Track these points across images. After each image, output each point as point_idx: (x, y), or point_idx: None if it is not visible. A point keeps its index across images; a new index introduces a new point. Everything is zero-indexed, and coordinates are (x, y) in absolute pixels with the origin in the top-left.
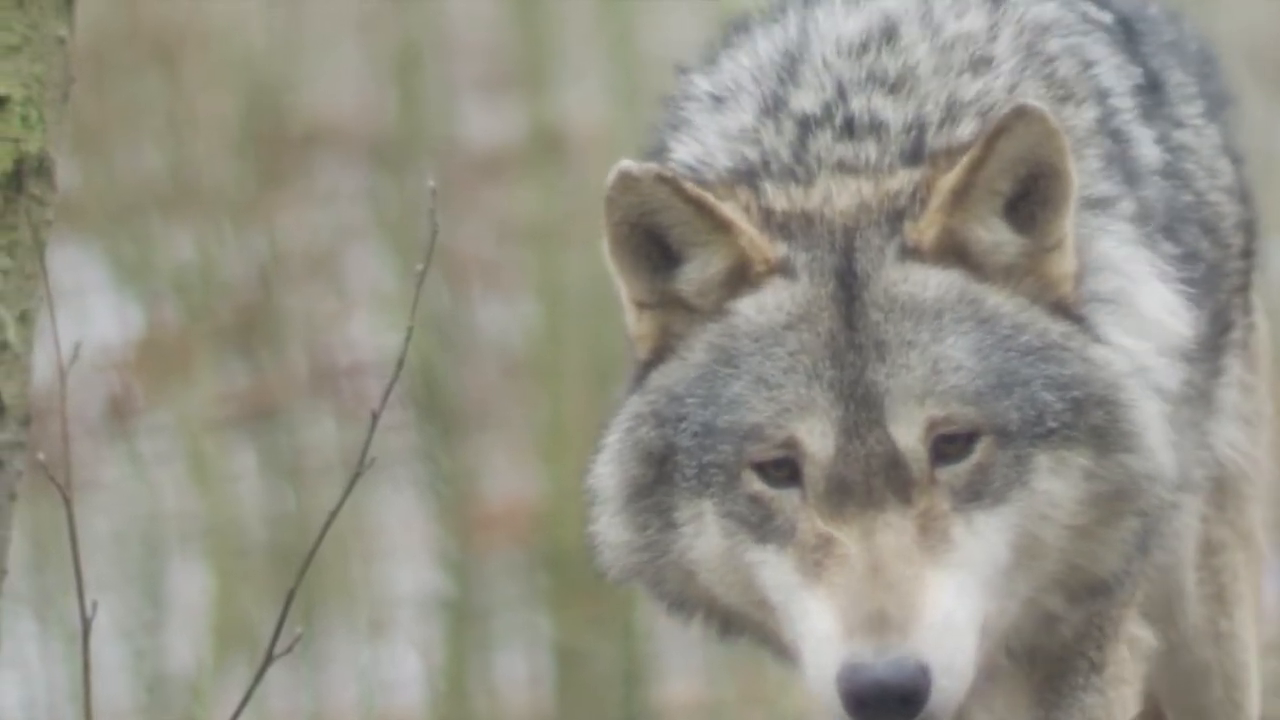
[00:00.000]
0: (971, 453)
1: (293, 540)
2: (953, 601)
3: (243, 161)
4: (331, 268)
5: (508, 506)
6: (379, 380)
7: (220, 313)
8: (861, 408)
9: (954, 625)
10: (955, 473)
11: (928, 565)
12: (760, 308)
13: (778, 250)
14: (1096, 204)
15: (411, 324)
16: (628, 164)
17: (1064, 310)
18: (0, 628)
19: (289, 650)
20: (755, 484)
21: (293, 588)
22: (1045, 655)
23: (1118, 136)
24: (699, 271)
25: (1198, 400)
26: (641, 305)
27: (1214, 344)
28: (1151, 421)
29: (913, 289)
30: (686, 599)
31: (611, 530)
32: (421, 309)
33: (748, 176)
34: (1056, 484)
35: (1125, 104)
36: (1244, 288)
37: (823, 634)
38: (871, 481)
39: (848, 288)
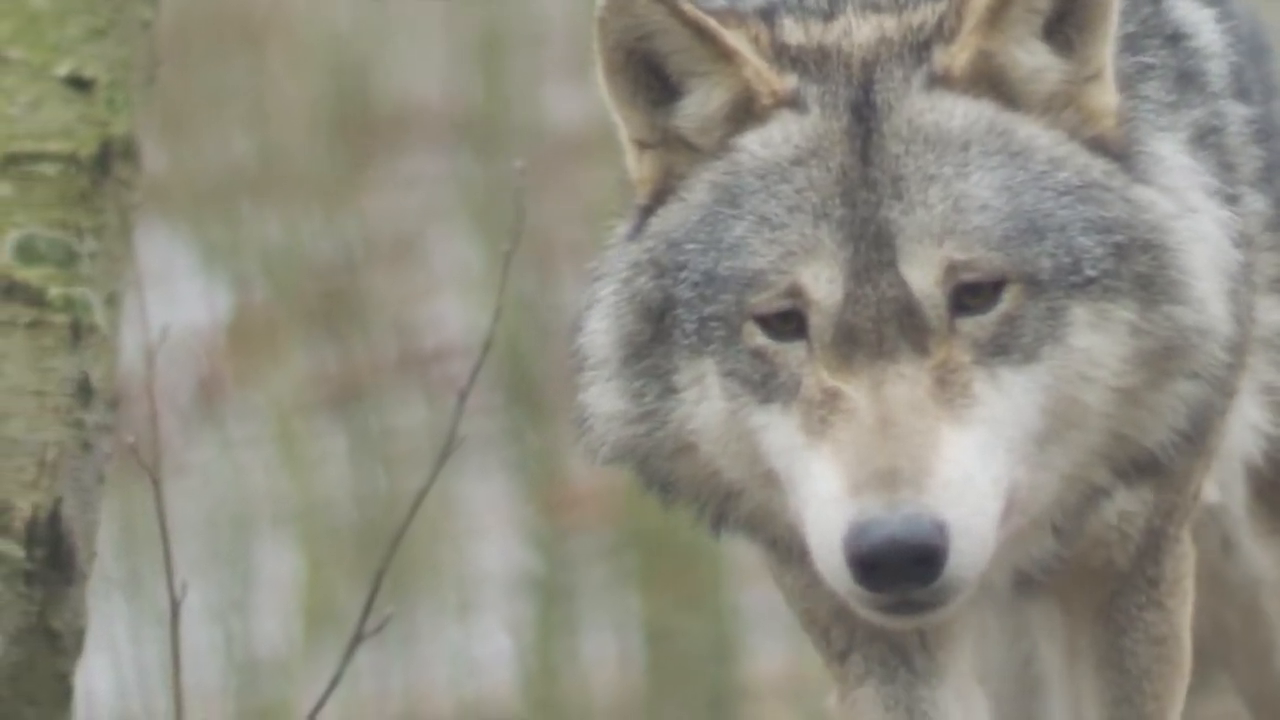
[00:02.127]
0: (997, 303)
1: (381, 521)
2: (973, 460)
3: (329, 144)
4: (418, 250)
5: (595, 486)
6: (466, 362)
7: (308, 295)
8: (873, 248)
9: (974, 484)
10: (978, 323)
11: (944, 420)
12: (766, 142)
13: (786, 82)
14: (1146, 104)
15: (499, 305)
16: None
17: (1105, 147)
18: (90, 610)
19: (378, 630)
20: (758, 337)
21: (381, 568)
22: (1102, 574)
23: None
24: (700, 105)
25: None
26: (641, 144)
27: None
28: (1203, 269)
29: (938, 118)
30: (681, 478)
31: (604, 399)
32: (508, 290)
33: (765, 10)
34: (1096, 340)
35: None
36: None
37: (827, 494)
38: (883, 330)
39: (864, 120)
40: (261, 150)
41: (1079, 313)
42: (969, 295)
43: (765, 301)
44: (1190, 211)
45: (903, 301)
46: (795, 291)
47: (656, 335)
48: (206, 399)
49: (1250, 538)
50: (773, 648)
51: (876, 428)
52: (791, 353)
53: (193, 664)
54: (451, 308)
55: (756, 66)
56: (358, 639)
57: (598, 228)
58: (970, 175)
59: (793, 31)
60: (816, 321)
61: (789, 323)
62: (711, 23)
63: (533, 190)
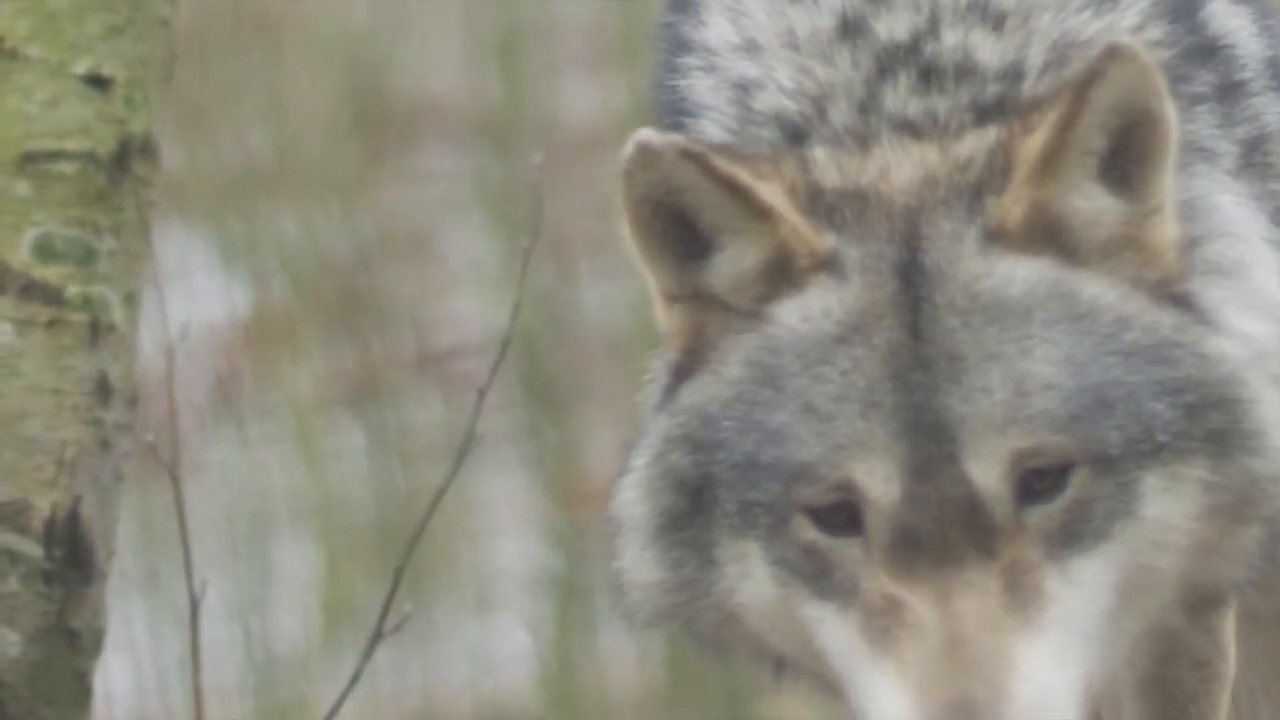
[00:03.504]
0: (1065, 488)
1: (400, 518)
2: (1050, 673)
3: (346, 141)
4: (436, 246)
5: (613, 482)
6: (484, 358)
7: (326, 292)
8: (931, 441)
9: (1054, 699)
10: (1046, 514)
11: (1018, 632)
12: (805, 315)
13: (825, 241)
14: (1210, 155)
15: (518, 301)
16: (646, 135)
17: (1170, 293)
18: (109, 609)
19: (398, 628)
20: (809, 531)
21: (400, 565)
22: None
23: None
24: (732, 264)
25: None
26: (670, 297)
27: None
28: (1276, 417)
29: (997, 284)
30: (732, 642)
31: (641, 567)
32: (526, 286)
33: (795, 138)
34: (1169, 505)
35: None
36: None
37: None
38: (946, 531)
39: (913, 288)
40: (279, 147)
41: (1150, 481)
42: (1035, 481)
43: (815, 495)
44: (1262, 358)
45: (967, 500)
46: (848, 486)
47: (695, 509)
48: (225, 397)
49: None
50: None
51: (946, 648)
52: (846, 550)
53: (211, 662)
54: (469, 304)
55: (794, 224)
56: (377, 637)
57: (613, 223)
58: (1034, 351)
59: (827, 170)
60: (873, 521)
61: (841, 515)
62: (745, 178)
63: (550, 185)
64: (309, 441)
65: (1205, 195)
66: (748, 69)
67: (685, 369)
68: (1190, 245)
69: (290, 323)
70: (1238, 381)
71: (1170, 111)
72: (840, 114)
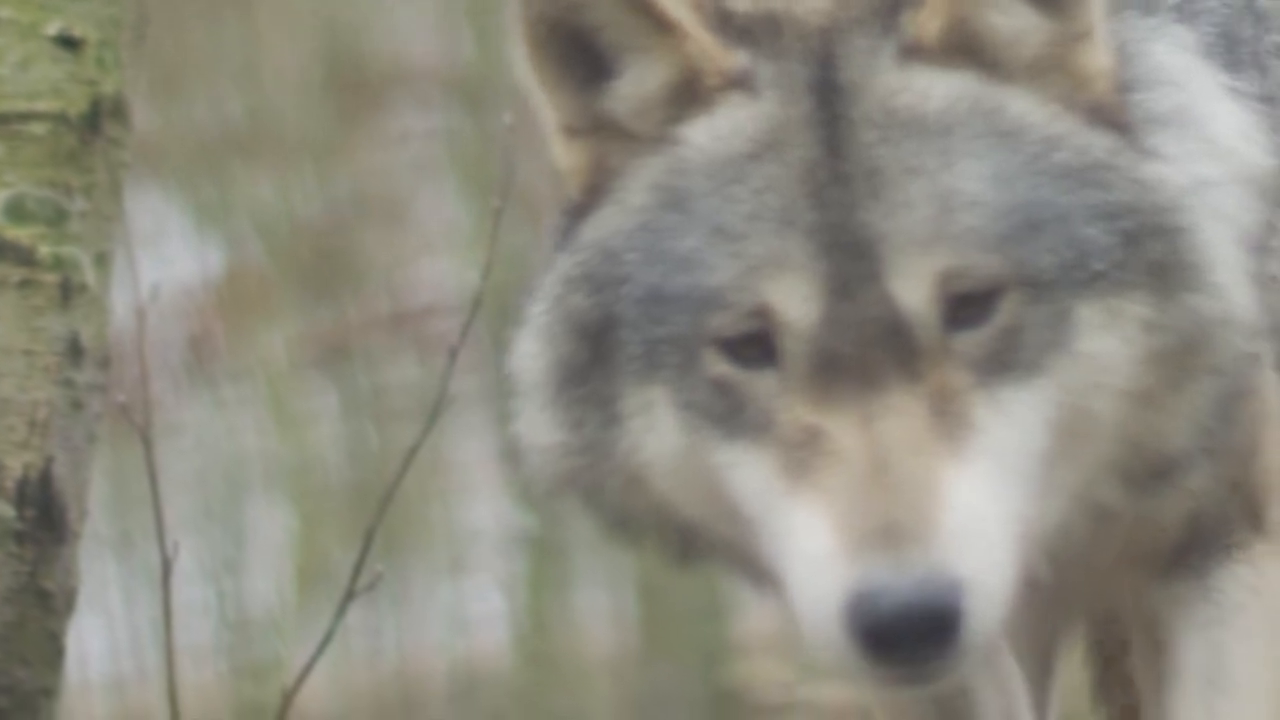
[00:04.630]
0: (995, 313)
1: (374, 479)
2: (981, 501)
3: (320, 102)
4: (409, 207)
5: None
6: (457, 319)
7: (299, 254)
8: (851, 260)
9: (986, 530)
10: (975, 339)
11: (945, 457)
12: (715, 134)
13: (736, 59)
14: (1147, 3)
15: (489, 261)
16: None
17: (1104, 118)
18: (82, 570)
19: (370, 588)
20: (720, 365)
21: (372, 526)
22: (1149, 576)
23: None
24: (636, 86)
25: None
26: (570, 131)
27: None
28: (1221, 251)
29: (915, 98)
30: (634, 514)
31: (539, 429)
32: (498, 247)
33: None
34: (1107, 342)
35: None
36: None
37: (819, 553)
38: (868, 355)
39: (828, 104)
40: (252, 109)
41: (1086, 314)
42: (963, 306)
43: (727, 323)
44: (1205, 187)
45: (889, 321)
46: (762, 312)
47: (596, 358)
48: (198, 358)
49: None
50: (765, 604)
51: (869, 473)
52: (760, 382)
53: (185, 623)
54: (442, 265)
55: (700, 41)
56: (349, 596)
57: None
58: (957, 165)
59: None
60: (790, 346)
61: (755, 346)
62: None
63: (522, 147)
64: (282, 403)
65: (1141, 42)
66: None
67: (586, 207)
68: (1124, 91)
69: (263, 284)
70: (1177, 209)
71: None
72: None
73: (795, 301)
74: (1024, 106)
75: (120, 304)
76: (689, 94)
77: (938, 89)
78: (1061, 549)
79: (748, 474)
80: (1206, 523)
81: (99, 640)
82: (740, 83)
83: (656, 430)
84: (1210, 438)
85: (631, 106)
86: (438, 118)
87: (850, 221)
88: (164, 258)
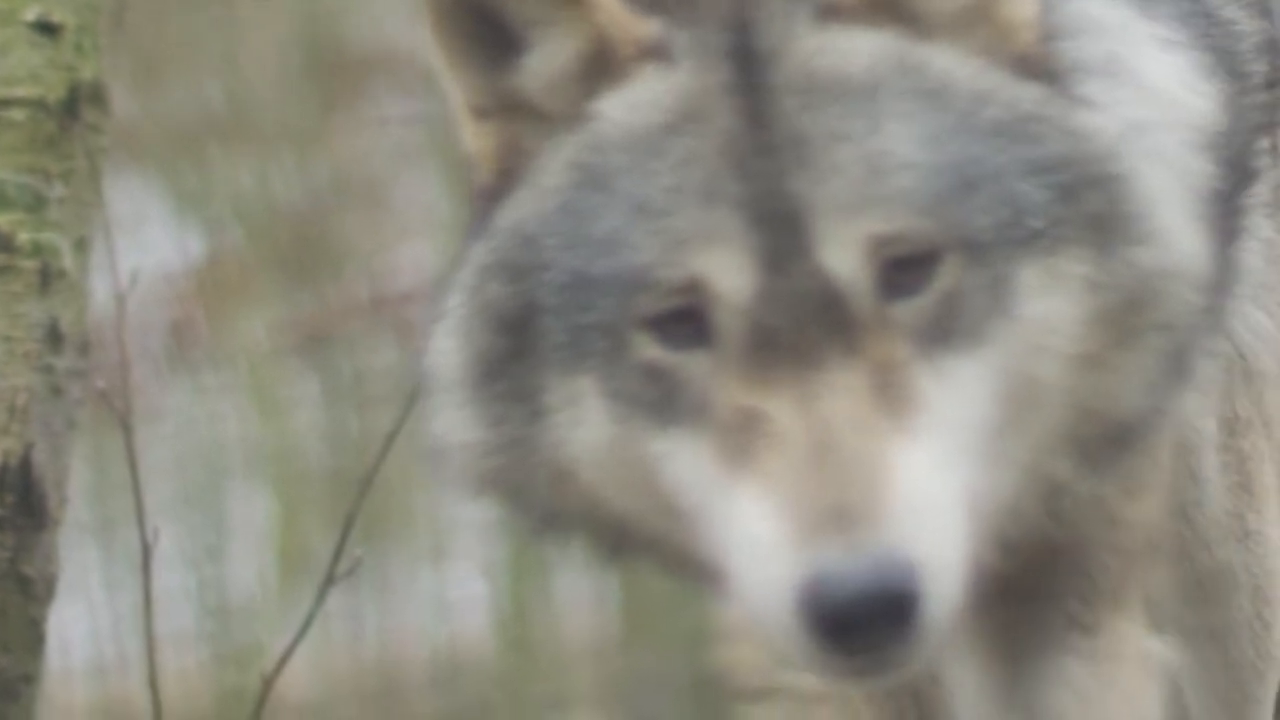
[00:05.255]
0: (933, 279)
1: (354, 465)
2: (930, 477)
3: (300, 88)
4: (390, 193)
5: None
6: None
7: (279, 240)
8: (781, 230)
9: (937, 507)
10: (914, 307)
11: (890, 433)
12: (631, 106)
13: (648, 27)
14: None
15: None
16: None
17: (1031, 68)
18: (63, 556)
19: (350, 574)
20: (650, 349)
21: (352, 511)
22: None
23: None
24: (546, 61)
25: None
26: (479, 111)
27: (1232, 200)
28: (1163, 197)
29: (837, 60)
30: (562, 511)
31: (460, 428)
32: None
33: None
34: (1049, 303)
35: None
36: (1269, 127)
37: (764, 541)
38: (805, 330)
39: (747, 71)
40: (232, 94)
41: (1026, 275)
42: (899, 273)
43: (655, 302)
44: (1141, 131)
45: (824, 293)
46: (693, 286)
47: (517, 350)
48: (179, 344)
49: (1219, 488)
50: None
51: (813, 455)
52: (693, 364)
53: (166, 609)
54: (422, 250)
55: (611, 10)
56: (328, 582)
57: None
58: (884, 127)
59: None
60: (724, 321)
61: (686, 325)
62: None
63: None
64: (263, 388)
65: None
66: None
67: (500, 191)
68: (1049, 39)
69: (243, 270)
70: (1112, 156)
71: None
72: None
73: (727, 274)
74: (949, 62)
75: (100, 290)
76: (602, 66)
77: (860, 49)
78: (1012, 531)
79: (684, 463)
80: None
81: (80, 626)
82: (655, 52)
83: (584, 422)
84: (1163, 397)
85: (542, 83)
86: (418, 103)
87: (777, 191)
88: (143, 244)
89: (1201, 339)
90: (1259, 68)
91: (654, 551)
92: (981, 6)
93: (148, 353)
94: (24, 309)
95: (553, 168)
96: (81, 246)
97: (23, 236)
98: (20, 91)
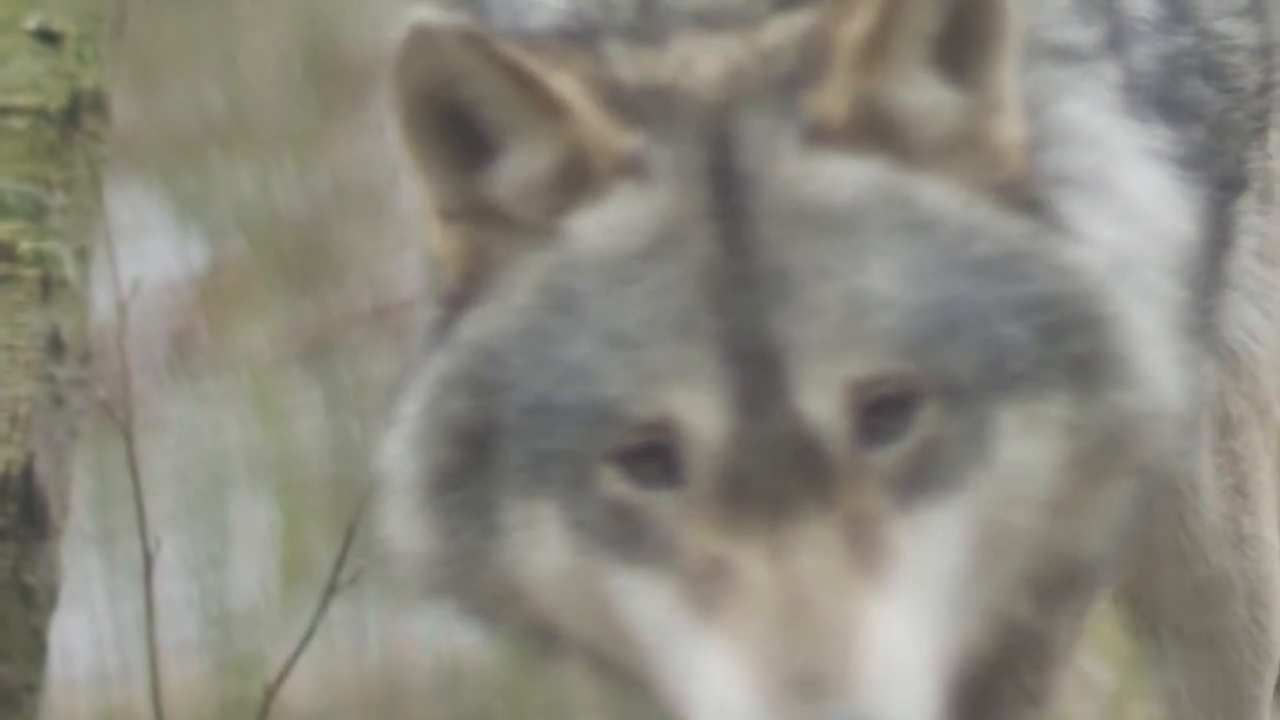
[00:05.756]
0: (912, 424)
1: (358, 474)
2: (903, 639)
3: (301, 95)
4: (391, 201)
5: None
6: None
7: (282, 247)
8: (758, 370)
9: (909, 671)
10: (892, 455)
11: (865, 593)
12: (606, 227)
13: (628, 141)
14: (1062, 54)
15: None
16: (424, 17)
17: (1019, 197)
18: (65, 566)
19: (352, 583)
20: (616, 484)
21: (354, 521)
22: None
23: None
24: (520, 169)
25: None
26: (447, 215)
27: (1221, 214)
28: (1148, 338)
29: (822, 189)
30: (509, 619)
31: (411, 535)
32: None
33: (584, 35)
34: (1028, 449)
35: None
36: (1262, 131)
37: (729, 704)
38: (780, 477)
39: (728, 194)
40: (233, 102)
41: (1006, 420)
42: (877, 416)
43: (625, 438)
44: (1129, 267)
45: (799, 438)
46: (664, 425)
47: (474, 464)
48: (180, 353)
49: (1212, 493)
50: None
51: (784, 613)
52: (661, 505)
53: (168, 618)
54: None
55: (592, 121)
56: (331, 591)
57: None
58: (869, 264)
59: (624, 65)
60: (695, 463)
61: (655, 462)
62: (535, 67)
63: None
64: (265, 397)
65: (1053, 100)
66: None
67: (464, 298)
68: (1035, 150)
69: (246, 278)
70: (1100, 296)
71: None
72: (622, 18)
73: (701, 415)
74: (937, 194)
75: (102, 299)
76: (577, 179)
77: (846, 178)
78: (965, 668)
79: (647, 604)
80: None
81: (82, 636)
82: (633, 168)
83: (543, 547)
84: (1125, 538)
85: (514, 191)
86: None
87: (755, 328)
88: (145, 252)
89: (1169, 481)
90: (1254, 75)
91: (605, 669)
92: (971, 131)
93: (149, 361)
94: (26, 318)
95: (523, 285)
96: (83, 255)
97: (24, 245)
98: (21, 100)
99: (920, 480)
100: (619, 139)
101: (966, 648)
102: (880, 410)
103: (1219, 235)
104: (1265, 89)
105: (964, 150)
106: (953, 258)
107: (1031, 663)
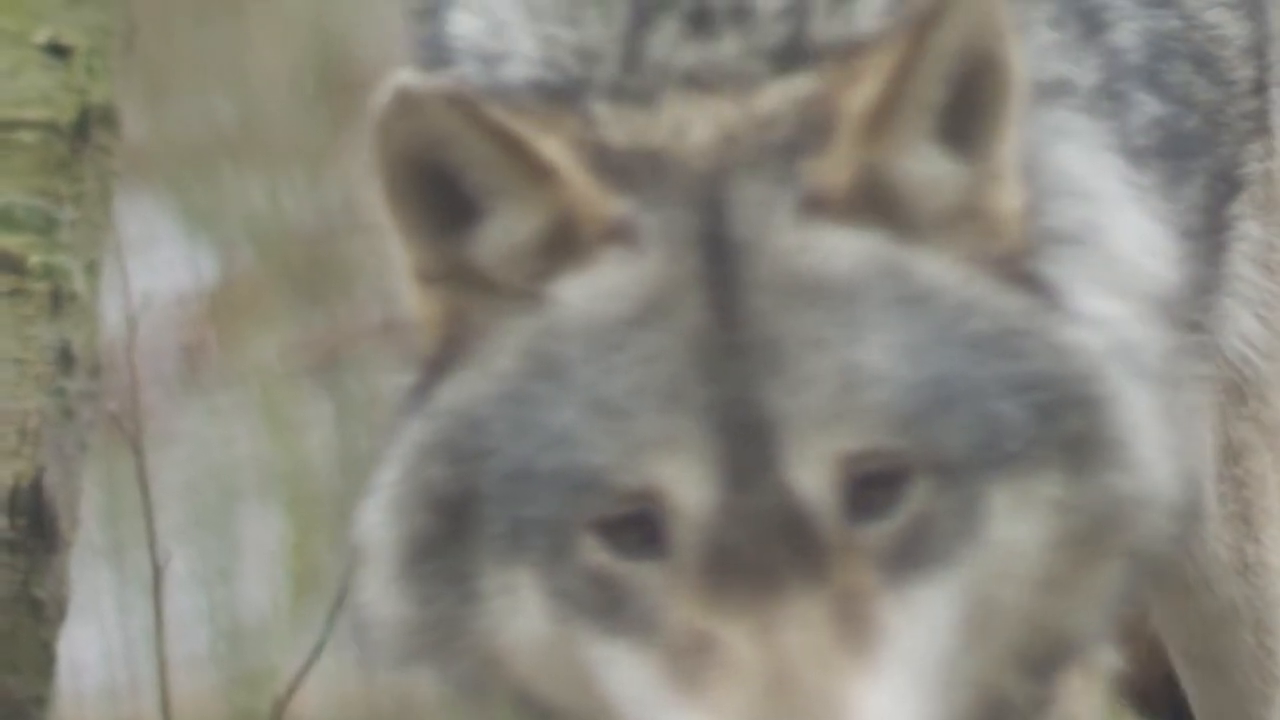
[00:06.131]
0: (903, 500)
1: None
2: (891, 717)
3: (311, 107)
4: None
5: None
6: None
7: (292, 260)
8: (748, 442)
9: None
10: (882, 532)
11: (853, 673)
12: (593, 294)
13: (616, 206)
14: (1048, 91)
15: None
16: (407, 79)
17: (1017, 272)
18: (74, 579)
19: None
20: (598, 554)
21: None
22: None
23: None
24: (505, 234)
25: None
26: (428, 278)
27: (1216, 217)
28: (1142, 421)
29: (818, 261)
30: (489, 687)
31: (387, 603)
32: None
33: (567, 92)
34: (1019, 528)
35: None
36: (1259, 132)
37: None
38: (767, 552)
39: (720, 262)
40: (243, 115)
41: (998, 498)
42: (867, 491)
43: (609, 507)
44: (1124, 348)
45: (788, 512)
46: (649, 496)
47: (453, 532)
48: (190, 366)
49: (1217, 521)
50: None
51: (770, 691)
52: (645, 576)
53: (179, 631)
54: None
55: (580, 185)
56: (340, 604)
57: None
58: (865, 338)
59: (613, 128)
60: (681, 535)
61: (638, 533)
62: (523, 131)
63: None
64: (275, 410)
65: (1044, 146)
66: (491, 46)
67: (444, 363)
68: (1031, 216)
69: (256, 291)
70: (1096, 377)
71: (1018, 57)
72: (607, 74)
73: (688, 486)
74: (936, 268)
75: (112, 312)
76: (564, 245)
77: (844, 250)
78: None
79: (629, 677)
80: None
81: (92, 649)
82: (621, 234)
83: (522, 614)
84: (1113, 615)
85: (498, 256)
86: None
87: (746, 399)
88: (155, 265)
89: (1161, 563)
90: (1247, 72)
91: None
92: (972, 203)
93: (159, 374)
94: (35, 331)
95: (505, 350)
96: (93, 269)
97: (34, 259)
98: (31, 114)
99: (911, 557)
100: (608, 204)
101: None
102: (871, 485)
103: (1213, 236)
104: (1260, 88)
105: (964, 222)
106: (949, 333)
107: (1037, 673)
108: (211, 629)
